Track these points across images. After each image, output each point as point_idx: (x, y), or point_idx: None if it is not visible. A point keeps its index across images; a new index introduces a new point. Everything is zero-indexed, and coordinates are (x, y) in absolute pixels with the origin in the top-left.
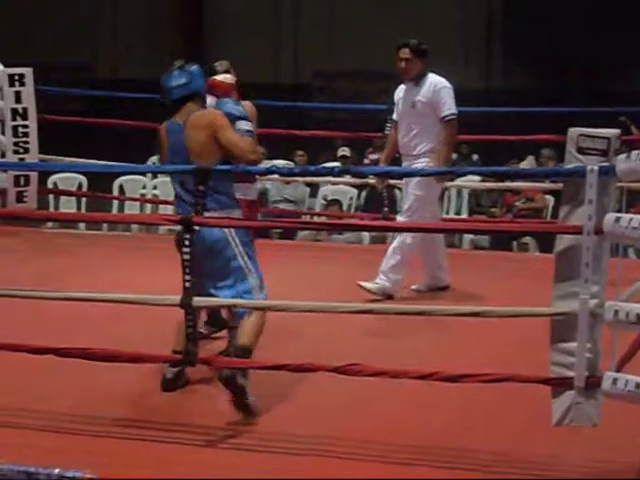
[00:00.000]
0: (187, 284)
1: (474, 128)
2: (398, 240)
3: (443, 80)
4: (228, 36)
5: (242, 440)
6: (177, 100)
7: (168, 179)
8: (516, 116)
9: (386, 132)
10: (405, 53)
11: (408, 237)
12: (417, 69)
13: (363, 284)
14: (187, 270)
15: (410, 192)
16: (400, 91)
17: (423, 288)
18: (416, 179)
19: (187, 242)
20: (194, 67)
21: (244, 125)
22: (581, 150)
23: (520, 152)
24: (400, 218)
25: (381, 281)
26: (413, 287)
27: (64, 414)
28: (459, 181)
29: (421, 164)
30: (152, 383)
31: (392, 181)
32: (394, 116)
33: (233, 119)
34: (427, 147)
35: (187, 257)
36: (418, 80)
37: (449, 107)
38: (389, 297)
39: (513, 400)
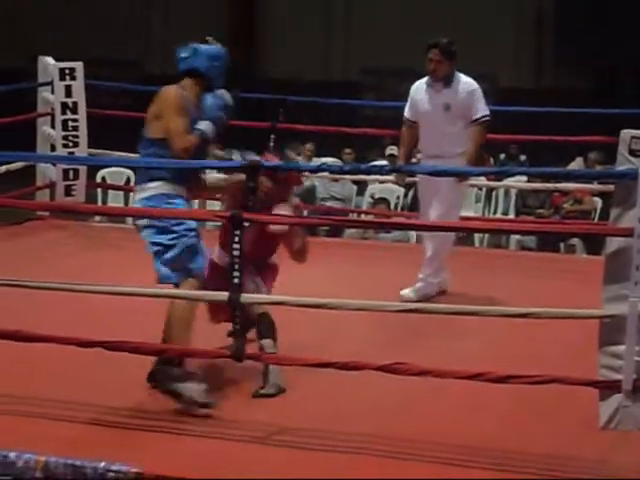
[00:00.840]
0: (236, 280)
1: (522, 128)
2: (432, 247)
3: (473, 81)
4: (278, 33)
5: (288, 438)
6: (180, 73)
7: (217, 174)
8: (565, 116)
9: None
10: (435, 54)
11: (439, 239)
12: (446, 70)
13: (404, 294)
14: (236, 267)
15: (441, 191)
16: (421, 91)
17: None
18: (447, 181)
19: (237, 238)
20: (204, 46)
21: (203, 125)
22: (633, 152)
23: (568, 153)
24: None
25: (421, 284)
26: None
27: (111, 407)
28: (507, 181)
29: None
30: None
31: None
32: (409, 115)
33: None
34: (460, 149)
35: (237, 253)
36: (447, 81)
37: (482, 109)
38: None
39: (561, 402)
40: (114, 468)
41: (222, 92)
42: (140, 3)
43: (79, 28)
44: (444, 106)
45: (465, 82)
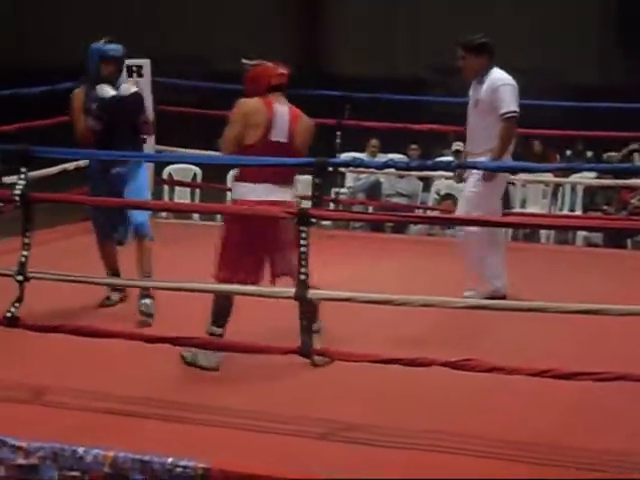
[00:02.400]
0: (302, 277)
1: (588, 124)
2: (474, 248)
3: (504, 77)
4: (345, 28)
5: (357, 434)
6: None
7: None
8: (632, 112)
9: None
10: (460, 52)
11: (473, 238)
12: (475, 66)
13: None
14: (303, 263)
15: (468, 189)
16: (471, 88)
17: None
18: (474, 176)
19: (304, 234)
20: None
21: None
22: None
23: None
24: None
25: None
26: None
27: (174, 402)
28: (573, 177)
29: None
30: (265, 372)
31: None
32: None
33: None
34: (487, 146)
35: (304, 250)
36: (481, 78)
37: (507, 105)
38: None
39: (630, 400)
40: (182, 463)
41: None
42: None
43: (144, 26)
44: (475, 102)
45: (494, 78)
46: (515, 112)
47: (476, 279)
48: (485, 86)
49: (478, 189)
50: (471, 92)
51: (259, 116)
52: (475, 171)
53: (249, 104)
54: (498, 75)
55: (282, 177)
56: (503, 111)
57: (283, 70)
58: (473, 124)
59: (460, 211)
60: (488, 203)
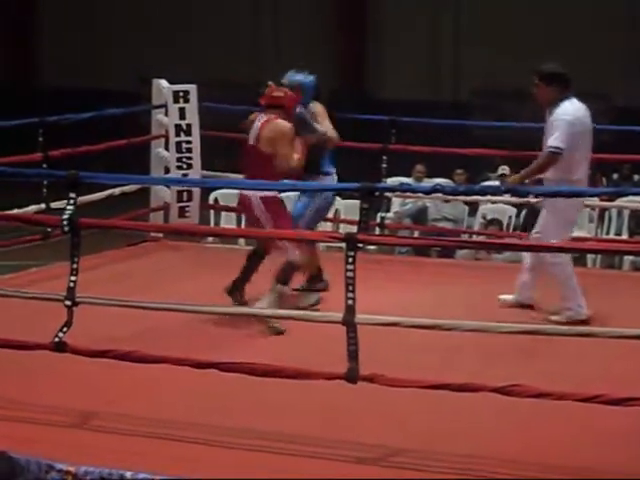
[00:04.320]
0: (350, 302)
1: (636, 148)
2: (558, 274)
3: (566, 112)
4: (387, 54)
5: (394, 459)
6: None
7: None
8: None
9: None
10: (534, 78)
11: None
12: (545, 95)
13: (553, 318)
14: (350, 288)
15: (542, 215)
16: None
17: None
18: (548, 203)
19: (351, 259)
20: None
21: None
22: None
23: None
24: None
25: (567, 312)
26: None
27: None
28: (620, 201)
29: None
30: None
31: None
32: None
33: None
34: (554, 173)
35: (351, 275)
36: (552, 107)
37: (554, 139)
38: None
39: None
40: None
41: None
42: (251, 24)
43: (192, 50)
44: (545, 131)
45: (558, 111)
46: (557, 149)
47: (561, 302)
48: (552, 117)
49: (548, 216)
50: (546, 119)
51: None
52: (546, 199)
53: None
54: (562, 109)
55: (248, 172)
56: (548, 144)
57: (277, 93)
58: (542, 152)
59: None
60: (557, 231)
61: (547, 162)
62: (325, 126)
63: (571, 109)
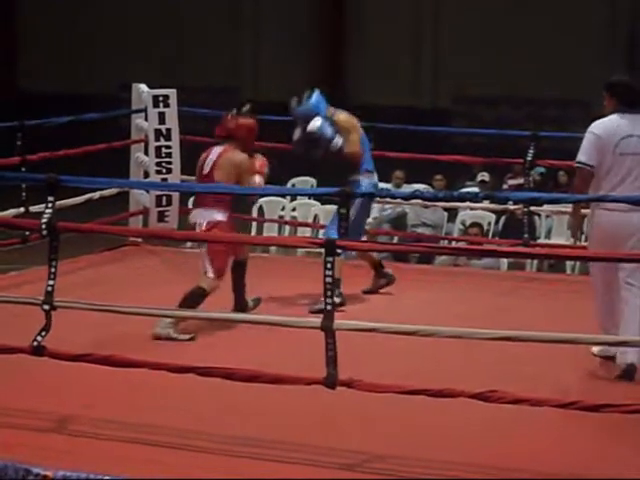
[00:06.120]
0: (328, 307)
1: None
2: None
3: (595, 125)
4: (367, 60)
5: (375, 465)
6: None
7: (307, 201)
8: None
9: None
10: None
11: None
12: (607, 106)
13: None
14: (329, 293)
15: None
16: None
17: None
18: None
19: (329, 265)
20: None
21: None
22: None
23: None
24: None
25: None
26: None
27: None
28: None
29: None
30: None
31: (533, 208)
32: None
33: None
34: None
35: (329, 280)
36: None
37: (579, 154)
38: None
39: None
40: None
41: None
42: (232, 30)
43: (172, 55)
44: None
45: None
46: (580, 163)
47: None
48: None
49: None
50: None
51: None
52: None
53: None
54: (597, 121)
55: (201, 201)
56: (576, 159)
57: (230, 124)
58: None
59: None
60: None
61: (578, 178)
62: (345, 138)
63: (598, 122)
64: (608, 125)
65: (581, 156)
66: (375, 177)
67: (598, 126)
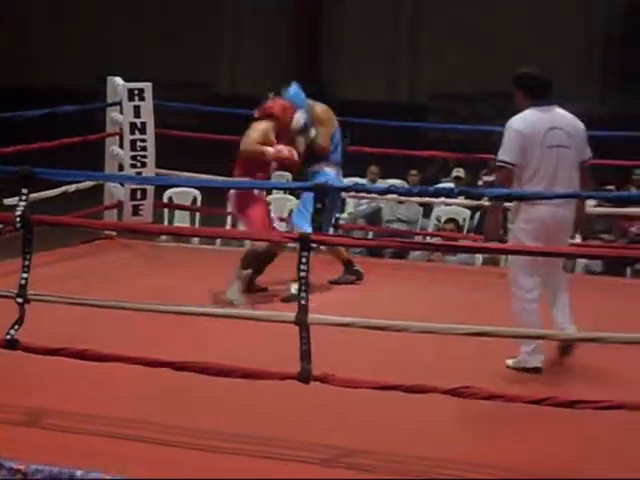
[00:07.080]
0: (302, 301)
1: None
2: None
3: (514, 118)
4: (344, 55)
5: (357, 460)
6: None
7: (282, 195)
8: (632, 141)
9: None
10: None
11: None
12: (520, 101)
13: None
14: (303, 287)
15: None
16: None
17: None
18: None
19: (304, 259)
20: None
21: None
22: None
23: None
24: None
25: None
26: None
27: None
28: None
29: None
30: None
31: (507, 204)
32: None
33: None
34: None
35: (304, 275)
36: None
37: (500, 152)
38: None
39: (631, 429)
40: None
41: None
42: (209, 25)
43: (147, 49)
44: None
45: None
46: (501, 162)
47: None
48: None
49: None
50: None
51: None
52: None
53: None
54: (515, 117)
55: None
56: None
57: (269, 104)
58: None
59: None
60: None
61: (500, 178)
62: (316, 131)
63: (518, 117)
64: (529, 119)
65: (503, 155)
66: (341, 172)
67: (518, 122)
